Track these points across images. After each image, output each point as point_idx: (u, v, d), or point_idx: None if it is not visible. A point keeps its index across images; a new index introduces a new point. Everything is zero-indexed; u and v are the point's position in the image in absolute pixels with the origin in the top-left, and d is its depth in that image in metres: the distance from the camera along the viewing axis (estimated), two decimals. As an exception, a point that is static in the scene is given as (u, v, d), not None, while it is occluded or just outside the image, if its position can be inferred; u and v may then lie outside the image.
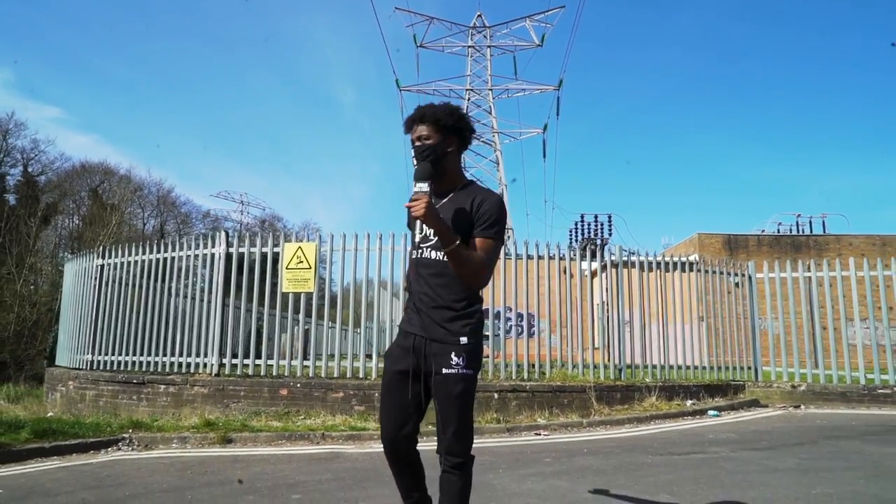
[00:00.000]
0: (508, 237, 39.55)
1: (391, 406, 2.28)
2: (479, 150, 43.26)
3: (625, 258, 9.05)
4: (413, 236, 2.34)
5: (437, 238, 2.19)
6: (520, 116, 63.64)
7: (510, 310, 8.54)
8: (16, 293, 25.56)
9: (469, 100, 43.52)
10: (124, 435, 6.08)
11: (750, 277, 9.83)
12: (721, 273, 9.78)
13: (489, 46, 44.33)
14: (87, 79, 79.57)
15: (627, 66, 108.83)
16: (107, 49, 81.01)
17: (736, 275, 9.89)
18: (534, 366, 8.24)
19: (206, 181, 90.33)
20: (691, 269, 9.57)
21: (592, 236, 38.68)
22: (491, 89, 43.79)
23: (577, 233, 39.53)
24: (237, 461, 5.20)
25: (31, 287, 28.00)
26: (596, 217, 37.97)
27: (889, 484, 4.02)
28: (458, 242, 2.12)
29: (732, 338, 9.55)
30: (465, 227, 2.22)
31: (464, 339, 2.18)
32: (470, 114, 43.14)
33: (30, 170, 35.05)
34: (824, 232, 28.94)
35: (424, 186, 2.14)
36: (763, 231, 30.24)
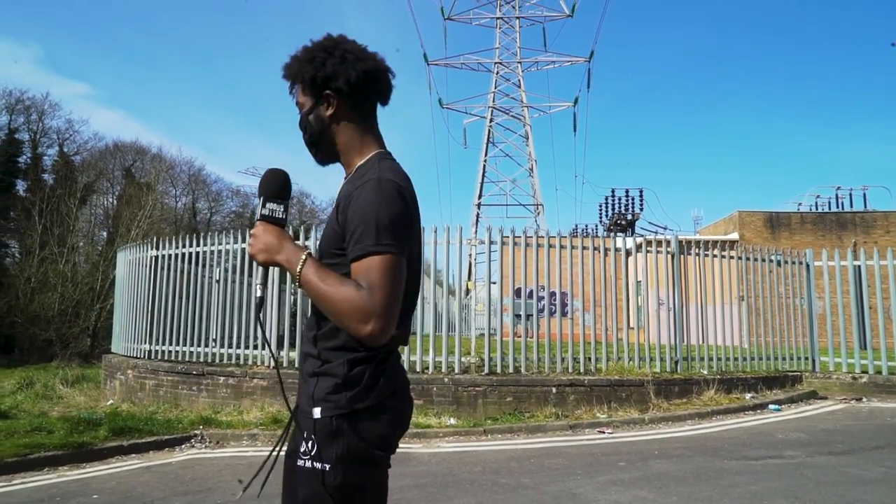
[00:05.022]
0: (539, 213, 39.40)
1: None
2: (509, 125, 42.89)
3: (679, 251, 8.89)
4: None
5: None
6: (549, 90, 62.76)
7: (542, 288, 8.38)
8: (59, 273, 26.23)
9: (498, 73, 42.93)
10: (195, 432, 6.23)
11: (808, 266, 9.58)
12: (775, 262, 9.54)
13: (518, 17, 43.53)
14: (112, 52, 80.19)
15: (655, 39, 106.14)
16: (129, 20, 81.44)
17: (792, 262, 9.63)
18: (590, 358, 8.18)
19: (231, 156, 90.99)
20: (746, 259, 9.38)
21: (623, 211, 38.17)
22: (520, 62, 43.11)
23: (607, 208, 39.03)
24: (312, 462, 5.28)
25: (72, 267, 28.63)
26: (627, 192, 37.29)
27: None
28: (300, 269, 1.35)
29: (786, 322, 9.38)
30: (332, 241, 1.44)
31: (317, 412, 1.34)
32: (499, 88, 42.63)
33: (65, 150, 35.67)
34: (865, 206, 28.06)
35: (278, 208, 1.43)
36: (800, 204, 29.49)
